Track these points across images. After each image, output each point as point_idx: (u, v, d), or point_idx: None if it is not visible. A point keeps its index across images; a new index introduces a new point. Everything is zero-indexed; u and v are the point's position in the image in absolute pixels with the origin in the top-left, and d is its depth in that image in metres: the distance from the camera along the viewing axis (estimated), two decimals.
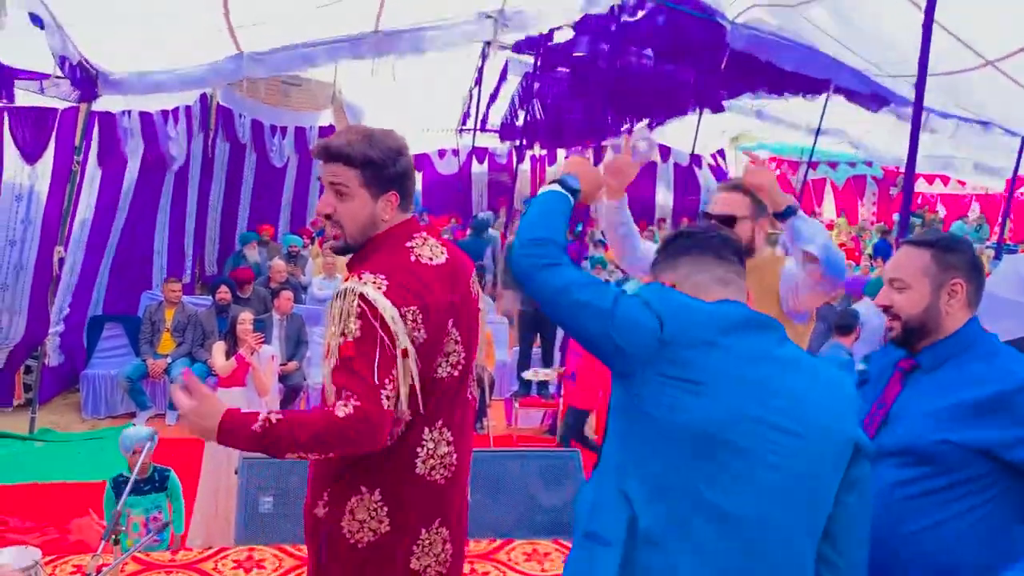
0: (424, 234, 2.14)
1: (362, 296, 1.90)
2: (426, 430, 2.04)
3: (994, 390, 1.82)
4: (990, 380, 1.84)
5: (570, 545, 1.77)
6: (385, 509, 2.03)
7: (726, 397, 1.55)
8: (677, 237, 1.80)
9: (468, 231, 12.32)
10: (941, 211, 18.84)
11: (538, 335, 7.97)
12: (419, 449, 2.03)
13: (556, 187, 1.98)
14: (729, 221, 2.74)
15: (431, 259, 2.07)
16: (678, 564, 1.54)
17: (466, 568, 3.84)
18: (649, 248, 3.10)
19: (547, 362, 8.00)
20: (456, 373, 2.08)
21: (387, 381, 1.89)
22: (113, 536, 2.75)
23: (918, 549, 1.86)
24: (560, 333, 7.82)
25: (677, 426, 1.54)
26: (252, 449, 1.86)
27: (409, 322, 1.94)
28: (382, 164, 2.03)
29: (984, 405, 1.82)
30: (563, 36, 9.56)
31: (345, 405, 1.84)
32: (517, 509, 4.36)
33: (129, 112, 7.57)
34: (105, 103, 6.87)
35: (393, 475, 2.04)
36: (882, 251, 14.52)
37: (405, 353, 1.92)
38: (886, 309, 2.01)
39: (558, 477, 4.47)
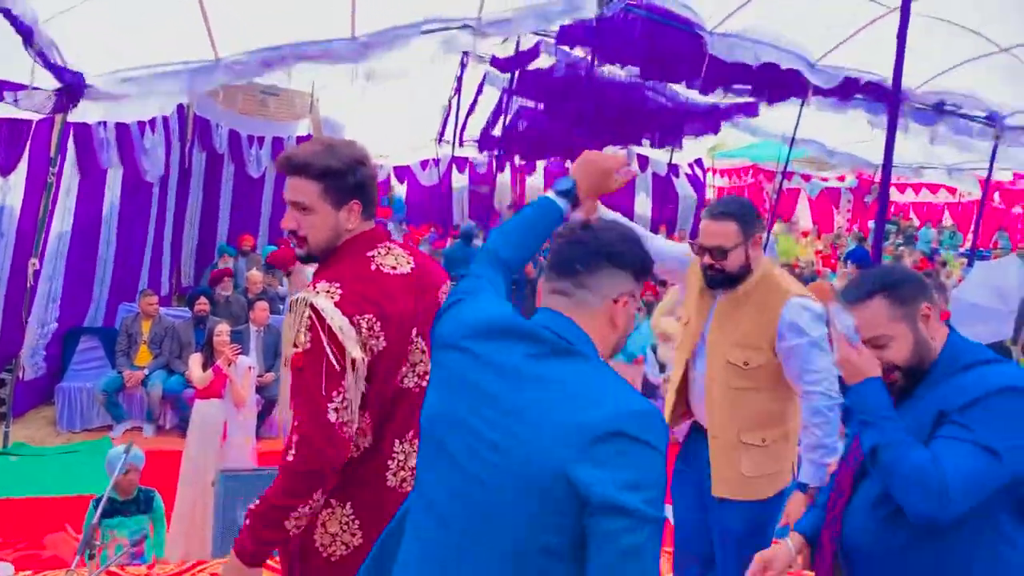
0: (389, 244, 2.14)
1: (312, 306, 1.91)
2: (396, 442, 2.04)
3: (970, 403, 1.81)
4: (967, 391, 1.84)
5: None
6: (357, 522, 2.03)
7: (445, 396, 1.54)
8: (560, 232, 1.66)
9: (449, 240, 12.34)
10: (915, 220, 19.09)
11: None
12: (390, 462, 2.04)
13: (548, 193, 1.92)
14: (722, 253, 2.75)
15: (394, 268, 2.08)
16: (408, 547, 1.57)
17: None
18: (661, 246, 3.12)
19: None
20: (424, 384, 2.07)
21: (335, 394, 1.89)
22: (88, 551, 2.71)
23: (902, 566, 1.88)
24: None
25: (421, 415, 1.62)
26: (267, 540, 1.92)
27: (364, 330, 1.95)
28: (342, 174, 2.04)
29: (961, 418, 1.81)
30: (541, 62, 9.60)
31: (291, 447, 1.89)
32: None
33: (105, 123, 7.51)
34: (81, 114, 6.81)
35: (364, 488, 2.03)
36: (858, 258, 14.67)
37: (355, 364, 1.91)
38: (885, 368, 1.96)
39: None
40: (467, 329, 1.57)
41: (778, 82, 8.74)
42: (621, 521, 1.28)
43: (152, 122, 8.59)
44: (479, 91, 11.59)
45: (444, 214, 15.63)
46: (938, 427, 1.84)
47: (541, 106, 11.35)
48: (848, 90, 8.92)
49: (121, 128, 7.88)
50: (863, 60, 8.38)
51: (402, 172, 15.13)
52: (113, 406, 7.15)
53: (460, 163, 15.78)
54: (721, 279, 2.79)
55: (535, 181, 16.86)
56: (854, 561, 1.98)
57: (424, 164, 15.61)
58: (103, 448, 6.75)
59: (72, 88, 6.17)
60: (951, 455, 1.76)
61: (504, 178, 15.97)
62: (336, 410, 1.89)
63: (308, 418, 1.88)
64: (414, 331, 2.06)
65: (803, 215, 19.58)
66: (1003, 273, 6.44)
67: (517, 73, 10.19)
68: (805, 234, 17.98)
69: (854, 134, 11.62)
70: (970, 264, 10.73)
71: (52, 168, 6.66)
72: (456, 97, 12.41)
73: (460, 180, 16.18)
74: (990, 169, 10.70)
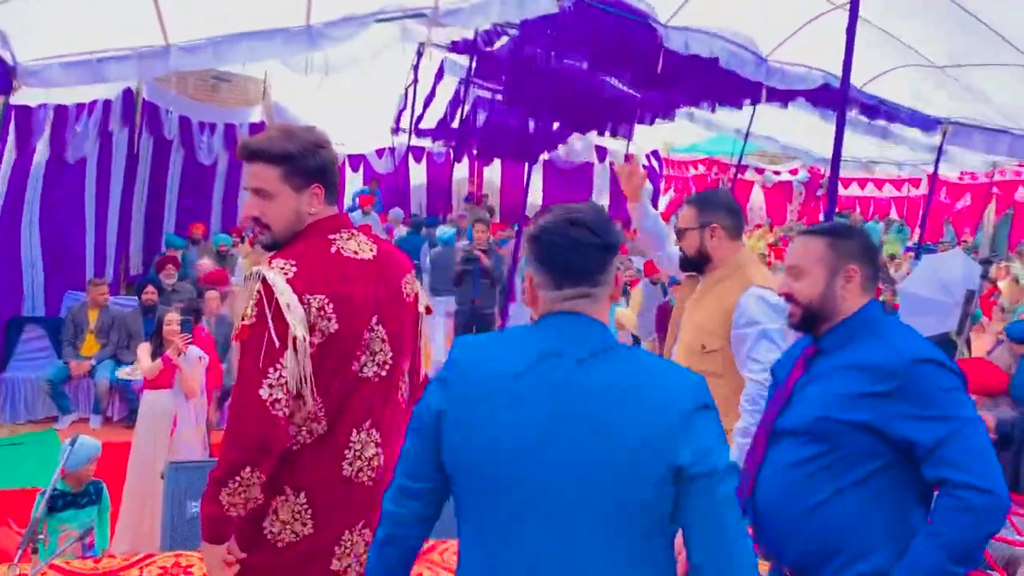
0: (353, 230, 2.14)
1: (263, 280, 1.91)
2: (354, 431, 2.03)
3: (879, 368, 1.90)
4: (877, 359, 1.92)
5: None
6: (309, 512, 2.03)
7: (494, 448, 1.66)
8: (535, 238, 1.59)
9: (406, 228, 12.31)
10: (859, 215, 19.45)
11: (473, 333, 7.96)
12: (346, 451, 2.03)
13: None
14: (679, 233, 3.01)
15: (356, 253, 2.07)
16: None
17: None
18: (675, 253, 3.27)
19: None
20: (384, 373, 2.08)
21: (271, 370, 1.87)
22: (32, 545, 2.65)
23: (811, 524, 1.95)
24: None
25: None
26: (209, 515, 1.93)
27: (314, 310, 1.93)
28: (301, 158, 2.04)
29: (868, 383, 1.90)
30: (499, 42, 9.56)
31: (227, 423, 1.94)
32: (450, 509, 4.34)
33: (45, 105, 7.30)
34: (23, 96, 6.61)
35: (319, 477, 2.02)
36: None
37: (295, 342, 1.89)
38: (788, 297, 2.10)
39: None
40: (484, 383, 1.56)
41: (731, 86, 8.87)
42: (716, 477, 1.46)
43: (92, 105, 8.36)
44: (437, 79, 11.50)
45: (402, 204, 15.52)
46: (893, 420, 1.88)
47: (499, 96, 11.32)
48: (796, 95, 9.10)
49: (59, 110, 7.66)
50: (809, 56, 8.51)
51: (356, 160, 14.96)
52: (59, 396, 6.99)
53: (417, 153, 15.66)
54: (683, 260, 3.05)
55: (492, 173, 16.83)
56: (763, 519, 2.04)
57: (380, 152, 15.46)
58: (48, 440, 6.61)
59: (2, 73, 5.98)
60: (957, 450, 1.82)
61: (461, 170, 15.91)
62: (271, 386, 1.87)
63: (240, 392, 1.89)
64: (374, 319, 2.04)
65: (757, 207, 19.86)
66: (948, 266, 6.60)
67: (475, 58, 10.13)
68: (758, 227, 18.24)
69: (806, 131, 11.80)
70: (917, 258, 10.98)
71: None
72: (413, 86, 12.30)
73: (417, 170, 16.07)
74: (936, 164, 10.95)
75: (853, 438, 1.90)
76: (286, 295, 1.89)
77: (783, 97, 9.31)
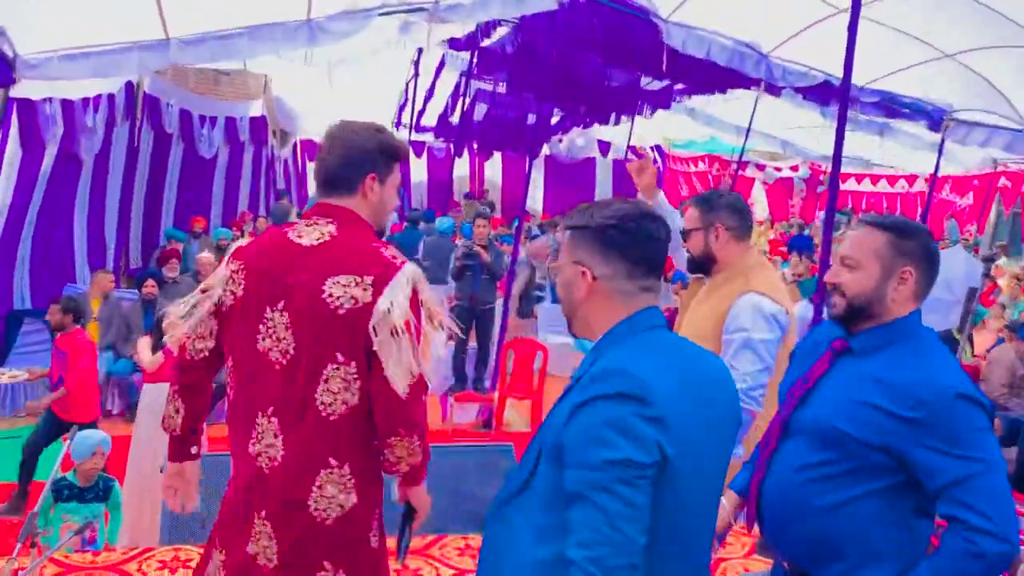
0: (323, 220, 2.17)
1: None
2: (259, 414, 2.11)
3: (909, 392, 1.82)
4: (909, 380, 1.84)
5: None
6: (230, 485, 2.23)
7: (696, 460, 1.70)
8: (613, 228, 1.60)
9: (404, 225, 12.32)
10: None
11: (474, 330, 7.96)
12: (252, 431, 2.12)
13: None
14: (683, 234, 2.98)
15: (300, 237, 2.13)
16: None
17: (397, 565, 3.82)
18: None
19: (483, 357, 7.99)
20: (285, 361, 2.07)
21: (193, 319, 2.22)
22: (31, 538, 2.65)
23: (818, 525, 1.92)
24: (497, 328, 7.83)
25: None
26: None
27: (231, 274, 2.15)
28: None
29: (893, 403, 1.83)
30: (499, 34, 9.54)
31: None
32: (451, 504, 4.36)
33: (51, 99, 7.28)
34: (25, 89, 6.60)
35: (233, 447, 2.20)
36: (798, 245, 14.95)
37: (204, 290, 2.20)
38: (834, 287, 2.00)
39: (492, 471, 4.48)
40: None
41: (731, 77, 8.85)
42: None
43: (96, 99, 8.36)
44: (437, 74, 11.48)
45: (402, 200, 15.53)
46: (911, 446, 1.82)
47: (501, 87, 11.29)
48: (799, 91, 9.08)
49: (66, 105, 7.65)
50: (811, 57, 8.49)
51: None
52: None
53: (418, 148, 15.65)
54: (690, 261, 3.02)
55: (493, 169, 16.80)
56: (770, 511, 2.03)
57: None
58: None
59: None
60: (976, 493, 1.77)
61: (462, 166, 15.89)
62: (189, 332, 2.23)
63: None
64: (282, 303, 2.08)
65: (759, 204, 19.84)
66: (950, 263, 6.60)
67: (476, 52, 10.11)
68: (759, 223, 18.23)
69: (806, 129, 11.79)
70: None
71: None
72: (413, 82, 12.29)
73: (418, 165, 16.05)
74: (938, 161, 10.91)
75: (867, 454, 1.85)
76: (225, 262, 2.20)
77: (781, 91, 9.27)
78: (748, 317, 2.75)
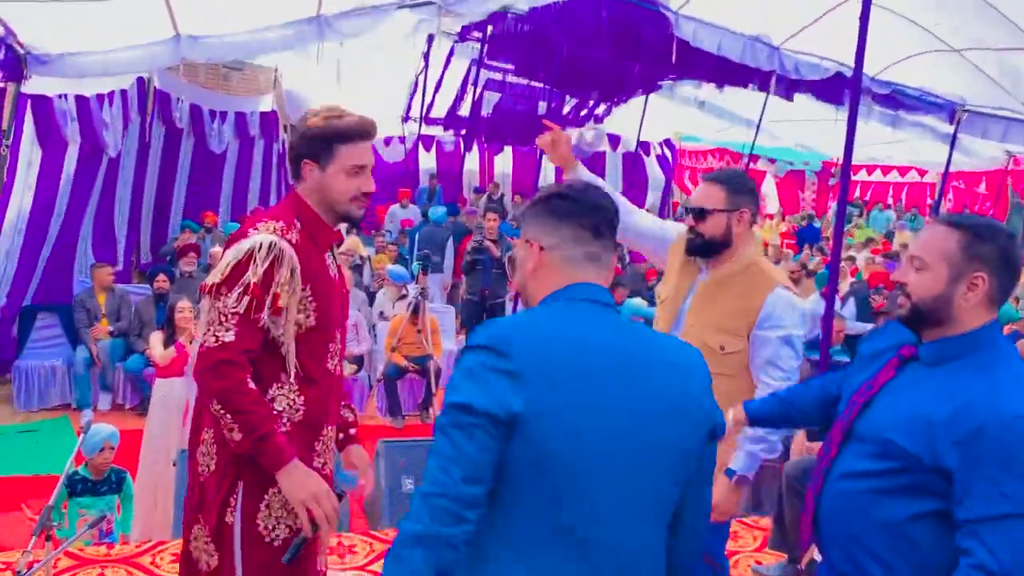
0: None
1: None
2: None
3: (964, 415, 1.69)
4: (968, 402, 1.70)
5: None
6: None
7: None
8: (556, 197, 1.62)
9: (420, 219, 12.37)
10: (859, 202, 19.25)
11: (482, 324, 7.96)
12: None
13: None
14: (700, 213, 2.69)
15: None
16: None
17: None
18: (639, 222, 3.03)
19: None
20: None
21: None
22: (46, 531, 2.67)
23: (867, 537, 1.83)
24: None
25: None
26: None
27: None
28: None
29: (949, 425, 1.70)
30: (509, 22, 9.52)
31: None
32: None
33: (65, 95, 7.31)
34: (38, 86, 6.63)
35: None
36: (807, 236, 14.99)
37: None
38: (901, 286, 1.86)
39: None
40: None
41: (742, 74, 8.82)
42: None
43: (111, 95, 8.39)
44: (446, 65, 11.45)
45: (412, 194, 15.53)
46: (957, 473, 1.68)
47: (510, 76, 11.28)
48: (807, 84, 9.04)
49: (81, 101, 7.68)
50: (821, 48, 8.44)
51: None
52: (82, 382, 7.02)
53: (427, 142, 15.63)
54: (699, 244, 2.72)
55: (503, 162, 16.76)
56: (825, 516, 1.94)
57: (388, 140, 15.44)
58: (62, 427, 6.66)
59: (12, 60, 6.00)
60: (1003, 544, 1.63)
61: (472, 159, 15.86)
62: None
63: None
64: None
65: (770, 197, 19.75)
66: None
67: (485, 41, 10.11)
68: (770, 216, 18.15)
69: (818, 126, 11.71)
70: None
71: (5, 141, 6.49)
72: (424, 73, 12.25)
73: (427, 159, 16.03)
74: (950, 153, 10.84)
75: (922, 471, 1.74)
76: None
77: (793, 87, 9.22)
78: (786, 314, 2.64)
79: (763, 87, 9.53)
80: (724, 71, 9.19)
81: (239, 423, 1.99)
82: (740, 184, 2.73)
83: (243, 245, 2.07)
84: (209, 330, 2.04)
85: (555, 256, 1.59)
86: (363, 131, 2.20)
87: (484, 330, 1.51)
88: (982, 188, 17.04)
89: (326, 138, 2.16)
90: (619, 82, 11.09)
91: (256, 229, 2.10)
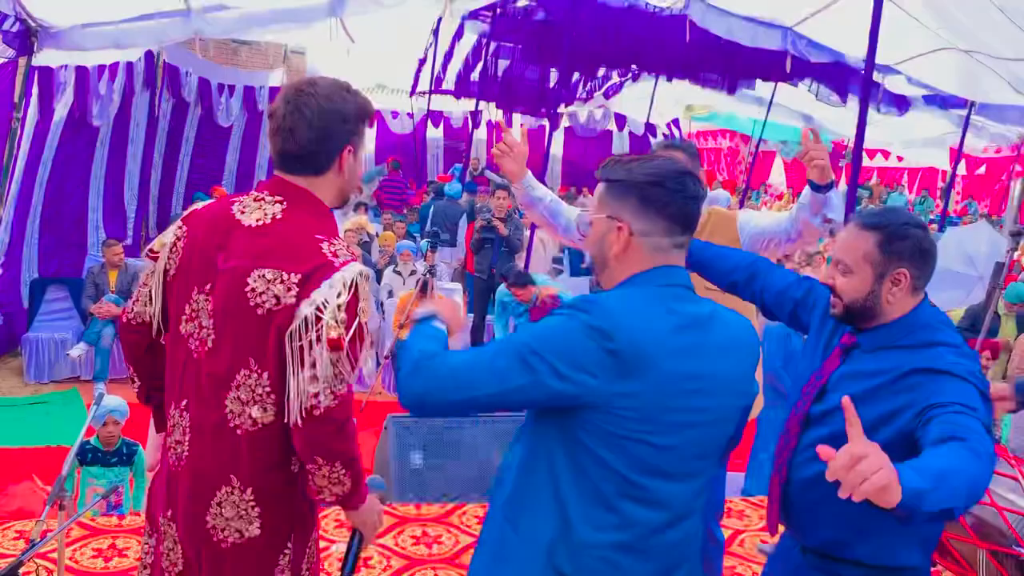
0: (272, 198, 1.84)
1: None
2: (173, 404, 1.88)
3: (907, 381, 1.81)
4: (909, 370, 1.82)
5: None
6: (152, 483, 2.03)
7: None
8: (654, 185, 1.59)
9: (423, 196, 12.30)
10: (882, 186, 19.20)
11: (492, 302, 7.96)
12: (169, 419, 1.90)
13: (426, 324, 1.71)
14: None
15: (242, 213, 1.82)
16: None
17: (418, 531, 3.87)
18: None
19: None
20: (202, 352, 1.80)
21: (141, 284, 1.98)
22: (60, 501, 2.69)
23: (841, 511, 1.81)
24: None
25: None
26: None
27: (175, 241, 1.89)
28: None
29: (895, 389, 1.82)
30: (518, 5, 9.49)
31: None
32: (470, 473, 4.39)
33: (66, 66, 7.29)
34: (46, 58, 6.61)
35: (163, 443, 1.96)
36: None
37: (152, 253, 1.95)
38: (830, 288, 1.97)
39: (510, 440, 4.50)
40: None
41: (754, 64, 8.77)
42: None
43: (114, 67, 8.34)
44: (457, 36, 11.40)
45: (419, 169, 15.48)
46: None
47: (520, 46, 11.25)
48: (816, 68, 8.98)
49: (80, 71, 7.64)
50: (831, 37, 8.36)
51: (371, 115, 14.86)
52: (103, 355, 6.98)
53: (435, 117, 15.58)
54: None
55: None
56: (795, 502, 2.00)
57: (395, 114, 15.36)
58: (72, 399, 6.71)
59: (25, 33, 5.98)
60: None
61: (480, 134, 15.79)
62: (133, 301, 1.98)
63: None
64: (209, 286, 1.79)
65: (778, 178, 19.67)
66: (974, 239, 6.53)
67: (495, 17, 10.07)
68: (779, 197, 18.08)
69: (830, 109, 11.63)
70: (940, 230, 10.85)
71: (16, 113, 6.49)
72: (433, 48, 12.19)
73: (435, 134, 15.98)
74: (963, 136, 10.76)
75: (884, 436, 1.77)
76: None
77: (803, 71, 9.15)
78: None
79: (775, 77, 9.47)
80: (735, 65, 9.14)
81: (352, 472, 1.78)
82: (689, 148, 2.87)
83: (338, 281, 1.72)
84: (325, 387, 1.69)
85: (644, 242, 1.61)
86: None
87: (589, 303, 1.53)
88: (983, 169, 16.88)
89: (365, 118, 1.88)
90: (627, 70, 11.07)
91: (335, 255, 1.75)
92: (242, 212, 1.81)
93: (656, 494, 1.56)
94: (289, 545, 1.85)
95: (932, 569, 2.94)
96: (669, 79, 11.81)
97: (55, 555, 3.01)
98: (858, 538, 1.91)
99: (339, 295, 1.70)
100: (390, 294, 7.92)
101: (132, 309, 1.95)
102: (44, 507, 2.57)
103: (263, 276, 1.72)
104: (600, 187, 1.67)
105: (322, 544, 2.33)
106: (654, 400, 1.51)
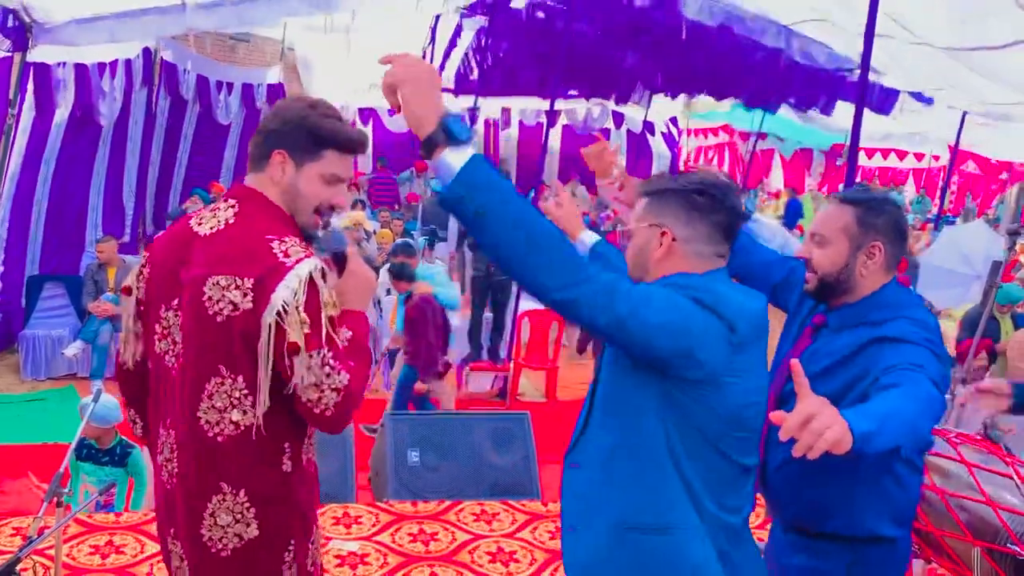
0: (227, 203, 1.85)
1: None
2: (160, 424, 1.90)
3: (872, 353, 1.86)
4: (874, 345, 1.88)
5: (518, 505, 1.82)
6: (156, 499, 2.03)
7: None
8: (697, 193, 1.68)
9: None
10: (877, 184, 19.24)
11: (489, 300, 7.97)
12: (158, 440, 1.91)
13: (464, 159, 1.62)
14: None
15: (199, 224, 1.84)
16: None
17: (415, 528, 3.87)
18: None
19: (498, 327, 8.01)
20: (177, 367, 1.82)
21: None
22: (57, 498, 2.69)
23: (819, 484, 1.96)
24: (513, 298, 7.84)
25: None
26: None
27: (140, 269, 1.95)
28: None
29: (861, 363, 1.88)
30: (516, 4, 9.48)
31: None
32: (466, 471, 4.40)
33: (64, 63, 7.27)
34: (42, 54, 6.59)
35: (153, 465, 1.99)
36: (791, 210, 15.16)
37: (126, 291, 1.97)
38: (806, 262, 2.03)
39: (507, 439, 4.51)
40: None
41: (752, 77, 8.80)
42: None
43: (113, 64, 8.32)
44: (456, 34, 11.39)
45: (416, 167, 15.47)
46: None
47: (520, 37, 11.25)
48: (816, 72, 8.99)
49: (80, 68, 7.63)
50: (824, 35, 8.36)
51: (367, 113, 14.79)
52: (101, 352, 6.92)
53: None
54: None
55: (510, 135, 16.70)
56: (773, 481, 2.07)
57: (392, 111, 15.32)
58: (69, 396, 6.70)
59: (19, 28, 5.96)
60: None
61: (478, 131, 15.79)
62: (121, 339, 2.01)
63: None
64: (176, 301, 1.80)
65: (776, 176, 19.67)
66: (971, 238, 6.53)
67: (492, 14, 10.07)
68: (776, 195, 18.09)
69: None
70: (937, 229, 10.87)
71: (12, 109, 6.48)
72: (431, 47, 12.18)
73: None
74: (959, 135, 10.77)
75: (854, 398, 1.88)
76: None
77: (806, 90, 9.20)
78: None
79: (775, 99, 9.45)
80: (726, 71, 9.14)
81: (365, 358, 1.85)
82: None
83: (292, 281, 1.70)
84: (324, 390, 1.69)
85: (687, 249, 1.68)
86: (361, 144, 1.91)
87: (712, 298, 1.61)
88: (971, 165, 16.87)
89: (319, 137, 1.82)
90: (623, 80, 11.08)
91: (286, 255, 1.73)
92: (199, 224, 1.84)
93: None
94: (291, 544, 1.86)
95: (928, 567, 2.96)
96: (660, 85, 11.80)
97: (52, 551, 3.01)
98: (831, 511, 1.97)
99: (295, 295, 1.70)
100: (388, 292, 7.92)
101: (124, 354, 2.00)
102: (41, 504, 2.57)
103: (217, 283, 1.73)
104: (641, 202, 1.74)
105: (321, 542, 2.33)
106: (750, 380, 1.69)
